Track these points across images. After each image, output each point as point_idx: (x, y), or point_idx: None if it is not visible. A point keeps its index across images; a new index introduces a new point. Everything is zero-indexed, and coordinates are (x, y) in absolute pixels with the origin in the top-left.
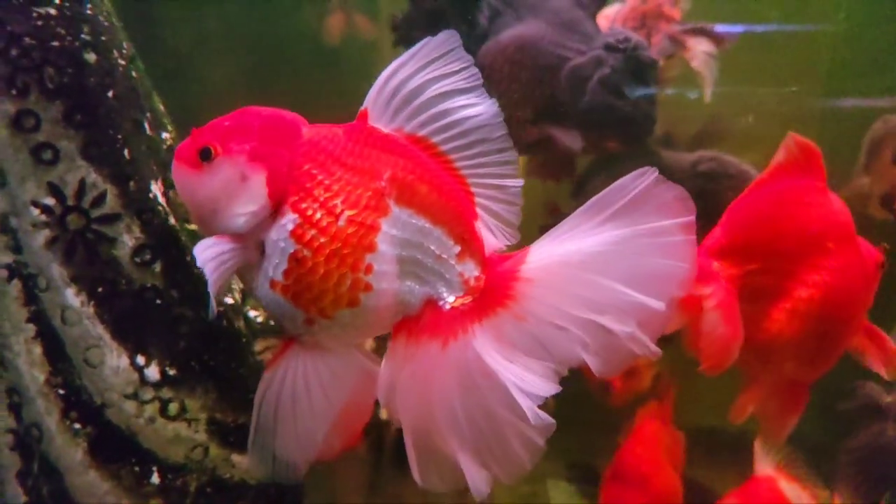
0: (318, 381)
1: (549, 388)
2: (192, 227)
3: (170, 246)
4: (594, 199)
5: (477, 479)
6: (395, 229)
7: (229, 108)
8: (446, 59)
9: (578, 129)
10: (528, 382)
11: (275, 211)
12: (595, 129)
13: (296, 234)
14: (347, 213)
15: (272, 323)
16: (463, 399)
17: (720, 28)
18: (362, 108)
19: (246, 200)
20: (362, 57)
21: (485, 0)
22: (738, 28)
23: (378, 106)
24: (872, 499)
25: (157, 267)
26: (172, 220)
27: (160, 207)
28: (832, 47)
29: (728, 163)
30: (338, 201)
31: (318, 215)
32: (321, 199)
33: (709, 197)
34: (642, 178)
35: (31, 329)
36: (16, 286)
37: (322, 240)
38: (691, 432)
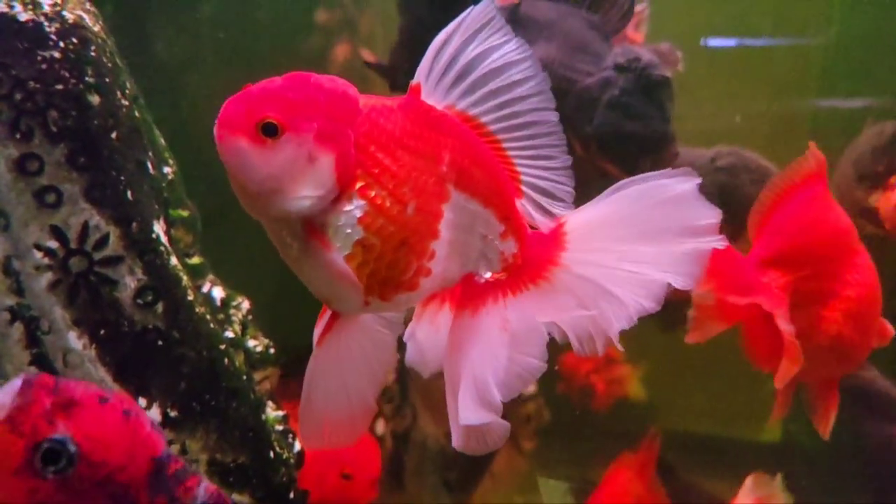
0: (363, 352)
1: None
2: (194, 261)
3: (172, 286)
4: (633, 190)
5: (469, 406)
6: (454, 214)
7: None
8: (490, 29)
9: (590, 153)
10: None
11: (339, 194)
12: (607, 152)
13: (364, 222)
14: (415, 201)
15: (271, 352)
16: (483, 350)
17: (712, 42)
18: (414, 81)
19: (312, 184)
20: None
21: None
22: (731, 41)
23: (431, 80)
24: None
25: (159, 308)
26: (174, 260)
27: (162, 248)
28: (823, 58)
29: (748, 157)
30: (406, 189)
31: (387, 203)
32: (389, 186)
33: (729, 192)
34: (681, 180)
35: (33, 372)
36: (18, 329)
37: (391, 229)
38: (684, 438)
